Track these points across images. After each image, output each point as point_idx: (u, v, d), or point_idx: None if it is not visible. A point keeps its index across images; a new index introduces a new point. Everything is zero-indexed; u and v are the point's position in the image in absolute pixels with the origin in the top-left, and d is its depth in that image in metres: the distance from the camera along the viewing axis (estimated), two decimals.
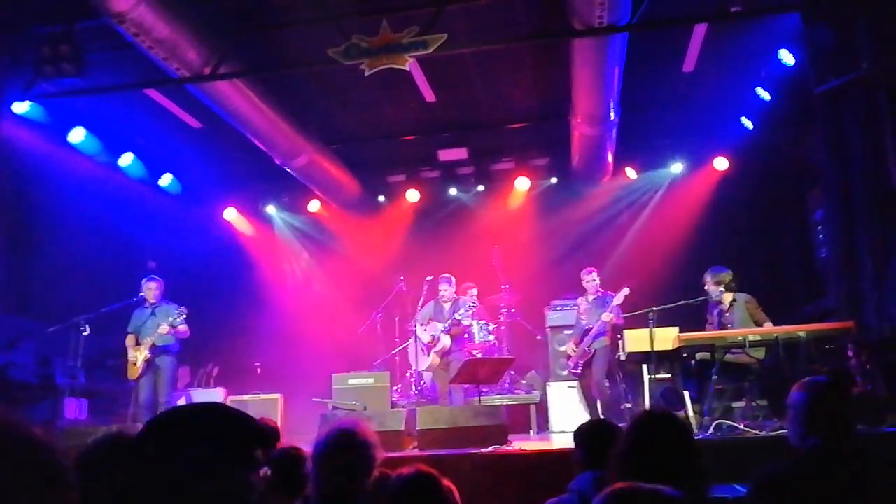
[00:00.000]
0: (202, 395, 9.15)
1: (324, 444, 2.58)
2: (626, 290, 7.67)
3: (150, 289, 7.66)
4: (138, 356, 7.48)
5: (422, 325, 8.36)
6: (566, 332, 8.69)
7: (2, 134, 7.24)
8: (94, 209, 9.08)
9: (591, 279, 8.04)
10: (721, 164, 9.75)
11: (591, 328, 7.81)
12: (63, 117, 8.28)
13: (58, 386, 7.82)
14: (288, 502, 3.27)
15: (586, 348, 7.80)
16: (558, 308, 9.19)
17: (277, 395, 8.91)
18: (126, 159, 9.30)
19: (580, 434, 3.18)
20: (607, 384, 7.96)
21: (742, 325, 6.90)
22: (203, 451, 1.35)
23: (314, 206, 11.03)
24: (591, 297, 8.04)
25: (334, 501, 2.49)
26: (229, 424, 1.41)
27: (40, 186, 8.32)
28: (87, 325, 7.57)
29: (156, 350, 7.45)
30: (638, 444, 2.25)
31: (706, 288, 7.20)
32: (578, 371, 7.85)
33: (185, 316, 7.50)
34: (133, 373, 7.54)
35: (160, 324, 7.41)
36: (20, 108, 7.38)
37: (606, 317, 7.68)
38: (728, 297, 7.11)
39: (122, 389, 9.19)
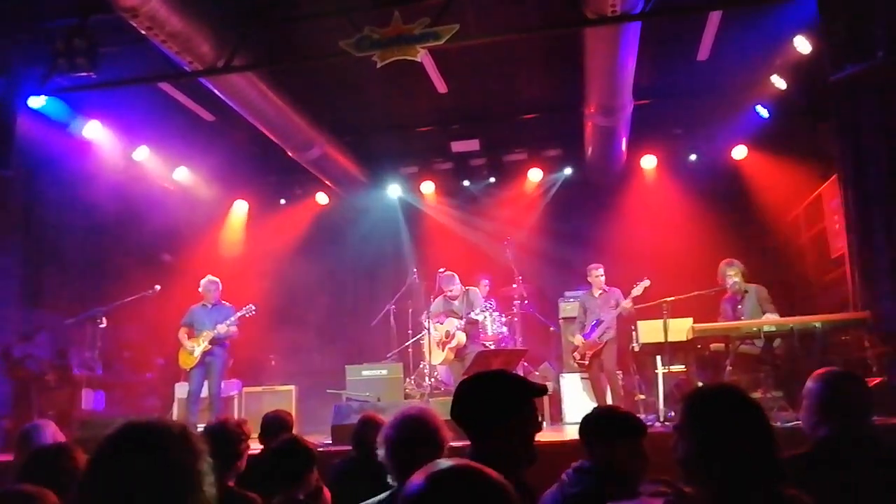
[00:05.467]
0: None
1: (397, 430, 2.64)
2: (645, 282, 7.65)
3: (210, 290, 8.12)
4: (196, 347, 7.84)
5: (434, 320, 8.37)
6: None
7: (18, 128, 7.29)
8: (110, 202, 9.15)
9: (597, 274, 8.06)
10: (736, 153, 9.69)
11: (602, 320, 7.81)
12: (78, 111, 8.32)
13: (75, 377, 7.92)
14: (287, 492, 3.35)
15: (597, 339, 7.80)
16: (571, 299, 9.18)
17: (292, 387, 8.98)
18: (141, 153, 9.35)
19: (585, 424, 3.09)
20: (619, 374, 7.97)
21: (752, 316, 6.88)
22: (507, 393, 2.27)
23: (326, 198, 11.05)
24: (597, 293, 8.06)
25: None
26: (518, 381, 2.37)
27: (56, 180, 8.38)
28: (103, 318, 7.71)
29: (213, 341, 7.87)
30: (695, 424, 1.93)
31: (726, 283, 7.16)
32: (586, 362, 7.87)
33: (253, 311, 8.05)
34: (190, 362, 7.91)
35: (217, 321, 7.89)
36: (36, 102, 7.43)
37: (627, 304, 7.67)
38: (739, 288, 7.08)
39: (138, 381, 9.31)
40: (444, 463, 1.30)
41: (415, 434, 2.61)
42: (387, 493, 2.65)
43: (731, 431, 1.86)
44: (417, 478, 1.26)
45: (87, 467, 1.48)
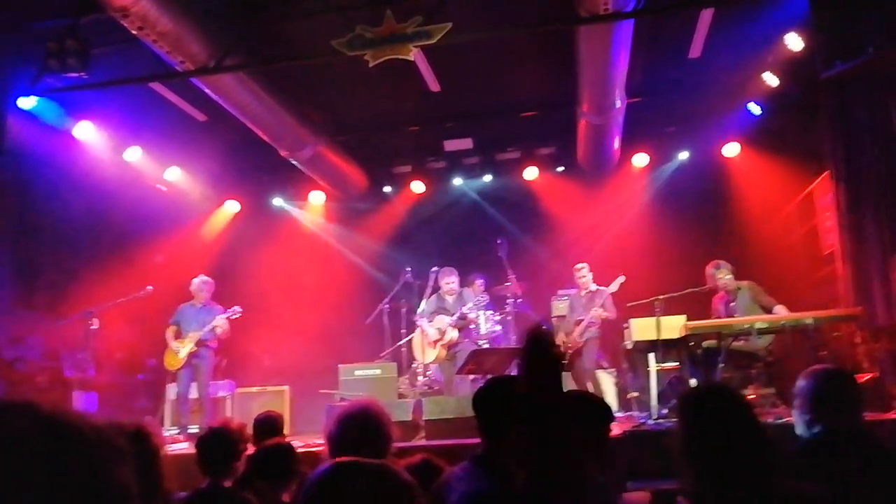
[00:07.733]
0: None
1: (338, 425, 2.59)
2: (621, 279, 7.76)
3: (201, 290, 8.07)
4: (181, 348, 7.78)
5: (427, 318, 8.36)
6: None
7: (8, 129, 7.25)
8: (102, 203, 9.10)
9: (582, 274, 8.14)
10: (728, 150, 9.71)
11: (582, 320, 7.88)
12: (69, 112, 8.27)
13: (66, 379, 7.88)
14: (275, 495, 3.39)
15: (577, 338, 7.87)
16: (564, 298, 9.17)
17: (285, 387, 8.95)
18: (133, 153, 9.29)
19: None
20: (614, 371, 8.01)
21: (747, 313, 6.89)
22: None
23: (320, 198, 11.02)
24: (583, 293, 8.13)
25: None
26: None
27: (47, 181, 8.33)
28: (95, 319, 7.67)
29: (200, 343, 7.82)
30: (692, 429, 1.97)
31: (717, 283, 7.21)
32: (566, 361, 7.93)
33: (238, 314, 7.98)
34: (175, 364, 7.85)
35: (206, 321, 7.84)
36: (26, 103, 7.38)
37: (596, 312, 7.77)
38: (732, 286, 7.12)
39: (129, 382, 9.26)
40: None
41: (358, 432, 2.52)
42: None
43: (723, 430, 1.88)
44: (324, 465, 1.33)
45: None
